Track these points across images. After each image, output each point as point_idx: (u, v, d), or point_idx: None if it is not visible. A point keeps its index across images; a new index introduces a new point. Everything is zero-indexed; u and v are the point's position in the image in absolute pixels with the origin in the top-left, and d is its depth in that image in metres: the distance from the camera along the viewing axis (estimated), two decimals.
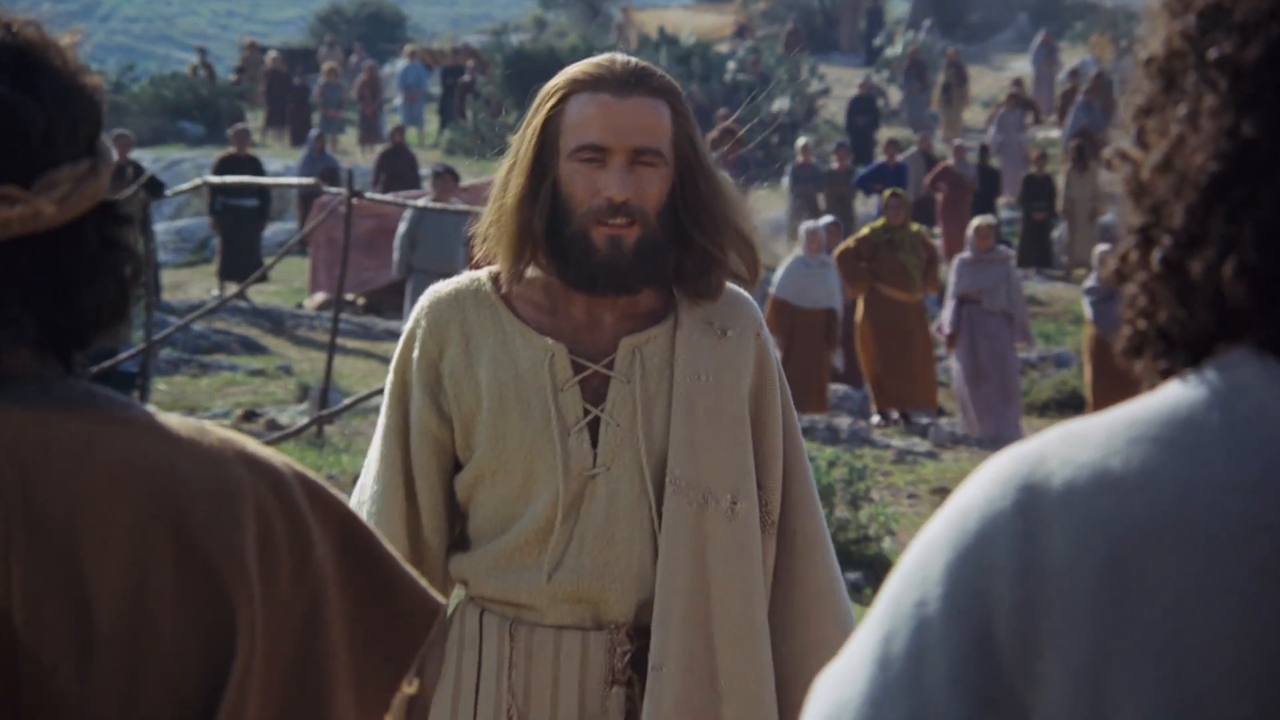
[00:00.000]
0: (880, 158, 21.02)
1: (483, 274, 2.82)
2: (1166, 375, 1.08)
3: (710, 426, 2.73)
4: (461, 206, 13.09)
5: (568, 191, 2.71)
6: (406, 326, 2.83)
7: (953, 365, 13.58)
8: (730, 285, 2.81)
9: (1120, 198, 1.10)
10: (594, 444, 2.72)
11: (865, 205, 20.38)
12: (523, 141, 2.75)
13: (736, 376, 2.77)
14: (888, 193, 14.09)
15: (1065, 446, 1.05)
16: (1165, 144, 1.06)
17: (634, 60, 2.75)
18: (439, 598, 1.52)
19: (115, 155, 1.47)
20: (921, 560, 1.07)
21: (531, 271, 2.77)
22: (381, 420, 2.81)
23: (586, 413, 2.73)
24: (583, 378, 2.74)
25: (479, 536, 2.79)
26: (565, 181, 2.71)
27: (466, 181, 15.49)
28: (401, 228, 13.67)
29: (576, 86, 2.73)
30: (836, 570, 2.84)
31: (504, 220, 2.74)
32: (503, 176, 2.76)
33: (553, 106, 2.73)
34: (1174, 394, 1.05)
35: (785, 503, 2.81)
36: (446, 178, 13.97)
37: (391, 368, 2.83)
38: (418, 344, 2.80)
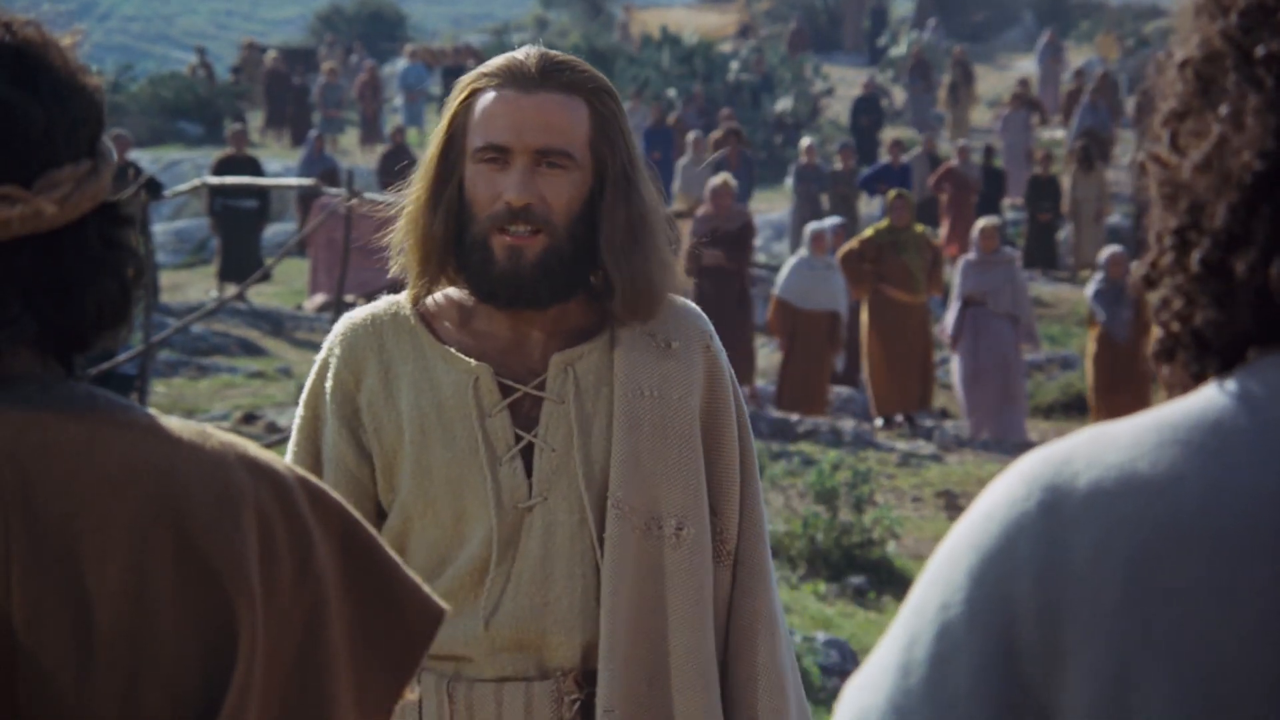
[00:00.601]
0: (884, 158, 20.94)
1: (401, 296, 2.59)
2: (1198, 380, 1.08)
3: (655, 444, 2.51)
4: None
5: (470, 196, 2.50)
6: (319, 356, 2.60)
7: (953, 366, 13.49)
8: (674, 296, 2.59)
9: (1152, 202, 1.10)
10: (529, 473, 2.50)
11: (869, 206, 20.34)
12: (430, 143, 2.56)
13: (684, 392, 2.54)
14: (892, 193, 14.04)
15: (1092, 448, 1.04)
16: (1206, 145, 1.05)
17: (552, 53, 2.52)
18: (441, 603, 1.51)
19: (116, 156, 1.46)
20: (945, 563, 1.07)
21: (456, 291, 2.57)
22: (288, 458, 2.54)
23: (518, 439, 2.50)
24: (512, 401, 2.51)
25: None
26: (468, 185, 2.50)
27: None
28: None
29: (483, 82, 2.52)
30: (777, 604, 2.62)
31: (407, 228, 2.53)
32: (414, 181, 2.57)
33: (460, 104, 2.53)
34: (1204, 398, 1.05)
35: (740, 528, 2.59)
36: None
37: (301, 401, 2.60)
38: (331, 374, 2.56)
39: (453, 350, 2.53)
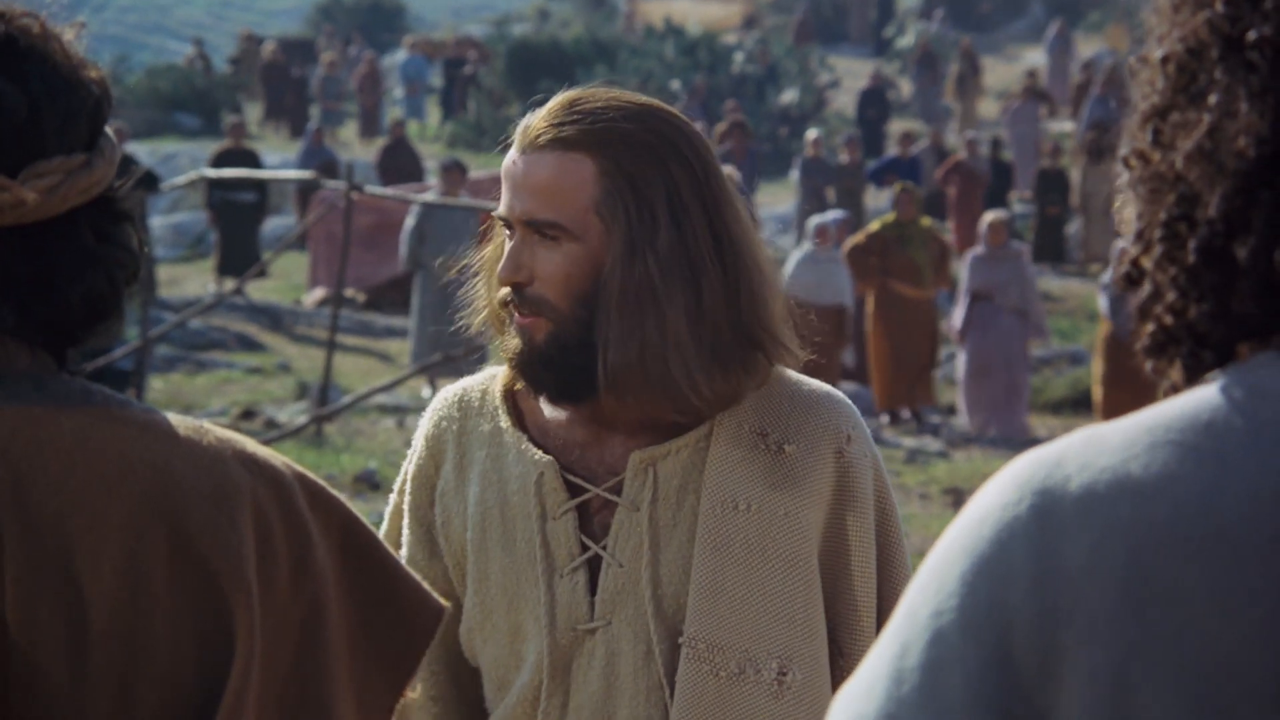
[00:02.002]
0: (891, 151, 20.82)
1: (505, 368, 2.25)
2: (1189, 375, 1.07)
3: (748, 570, 2.12)
4: (468, 201, 12.91)
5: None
6: (415, 435, 2.32)
7: (959, 362, 13.48)
8: (806, 380, 2.20)
9: (1136, 199, 1.09)
10: (592, 590, 2.15)
11: (876, 199, 20.27)
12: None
13: (795, 506, 2.14)
14: (898, 186, 13.95)
15: (1084, 450, 1.04)
16: (1197, 135, 1.05)
17: (579, 100, 2.14)
18: (442, 601, 1.50)
19: (119, 151, 1.44)
20: (937, 569, 1.06)
21: None
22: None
23: (584, 549, 2.15)
24: (581, 503, 2.16)
25: (490, 707, 2.22)
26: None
27: (473, 174, 15.34)
28: (409, 222, 13.52)
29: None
30: None
31: (485, 301, 2.25)
32: None
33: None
34: (1196, 398, 1.04)
35: None
36: (454, 171, 13.75)
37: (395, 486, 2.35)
38: (415, 458, 2.28)
39: (525, 439, 2.20)
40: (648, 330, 2.08)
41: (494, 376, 2.25)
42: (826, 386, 2.21)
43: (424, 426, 2.27)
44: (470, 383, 2.27)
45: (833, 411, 2.18)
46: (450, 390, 2.28)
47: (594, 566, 2.15)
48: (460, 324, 2.27)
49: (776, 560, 2.13)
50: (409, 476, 2.26)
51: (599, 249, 2.11)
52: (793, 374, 2.20)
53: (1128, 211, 1.10)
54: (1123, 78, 24.56)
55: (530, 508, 2.15)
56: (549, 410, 2.21)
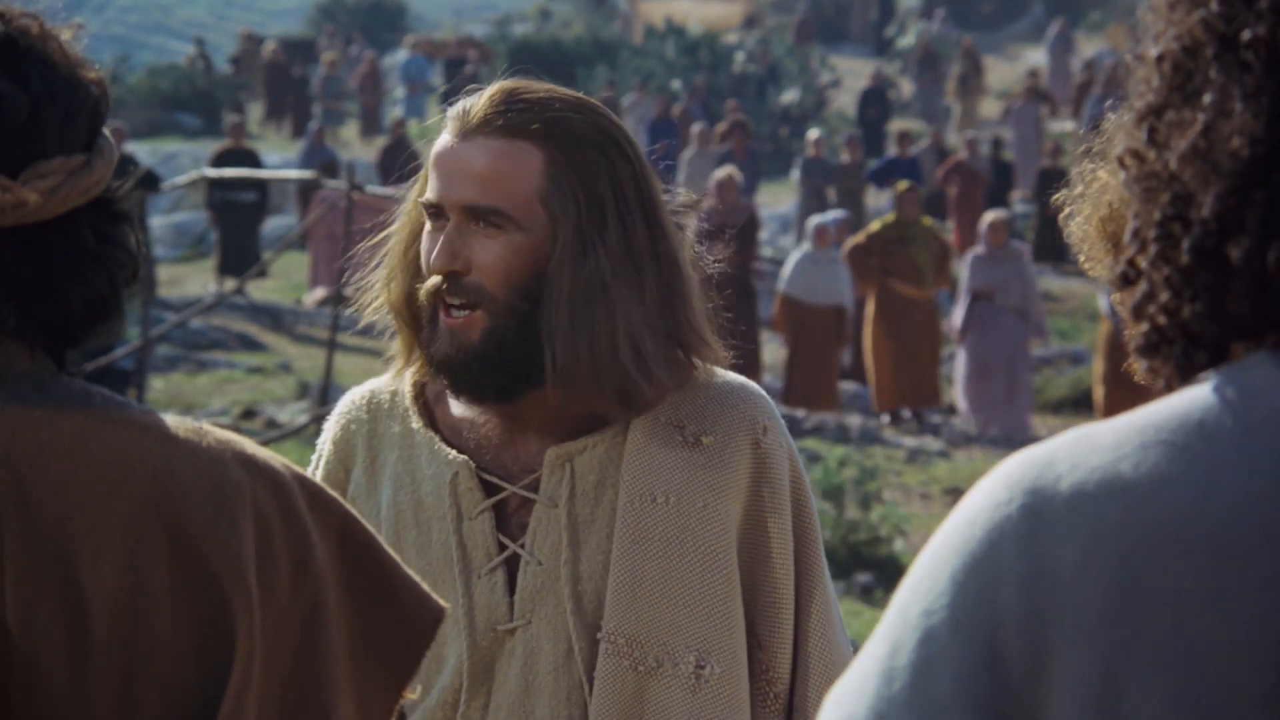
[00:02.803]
0: (891, 151, 20.80)
1: (407, 371, 2.19)
2: (1182, 375, 1.07)
3: (667, 563, 2.08)
4: None
5: (423, 262, 2.12)
6: (319, 440, 2.24)
7: (958, 361, 13.49)
8: (720, 373, 2.16)
9: (1131, 197, 1.08)
10: (511, 589, 2.10)
11: (876, 199, 20.23)
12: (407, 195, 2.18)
13: (712, 498, 2.10)
14: (900, 186, 13.91)
15: (1074, 450, 1.03)
16: (1191, 134, 1.05)
17: (519, 89, 2.10)
18: (441, 602, 1.50)
19: (117, 151, 1.44)
20: (928, 568, 1.06)
21: None
22: None
23: (502, 548, 2.10)
24: (497, 502, 2.12)
25: (408, 710, 2.15)
26: (422, 250, 2.12)
27: None
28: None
29: (443, 126, 2.14)
30: None
31: (380, 293, 2.17)
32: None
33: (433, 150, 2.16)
34: (1187, 398, 1.04)
35: (796, 668, 2.15)
36: None
37: None
38: (322, 463, 2.21)
39: (438, 439, 2.14)
40: (598, 323, 2.04)
41: (402, 377, 2.19)
42: (741, 378, 2.18)
43: (330, 430, 2.21)
44: (379, 384, 2.21)
45: (748, 403, 2.15)
46: (358, 392, 2.21)
47: (512, 566, 2.11)
48: (352, 315, 2.21)
49: (695, 553, 2.10)
50: (321, 479, 2.18)
51: (541, 240, 2.06)
52: (706, 367, 2.17)
53: (1130, 208, 1.09)
54: (1124, 77, 24.48)
55: (445, 508, 2.11)
56: (460, 410, 2.16)
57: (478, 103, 2.10)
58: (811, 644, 2.15)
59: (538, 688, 2.09)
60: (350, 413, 2.20)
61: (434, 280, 2.08)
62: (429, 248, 2.09)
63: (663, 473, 2.11)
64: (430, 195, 2.10)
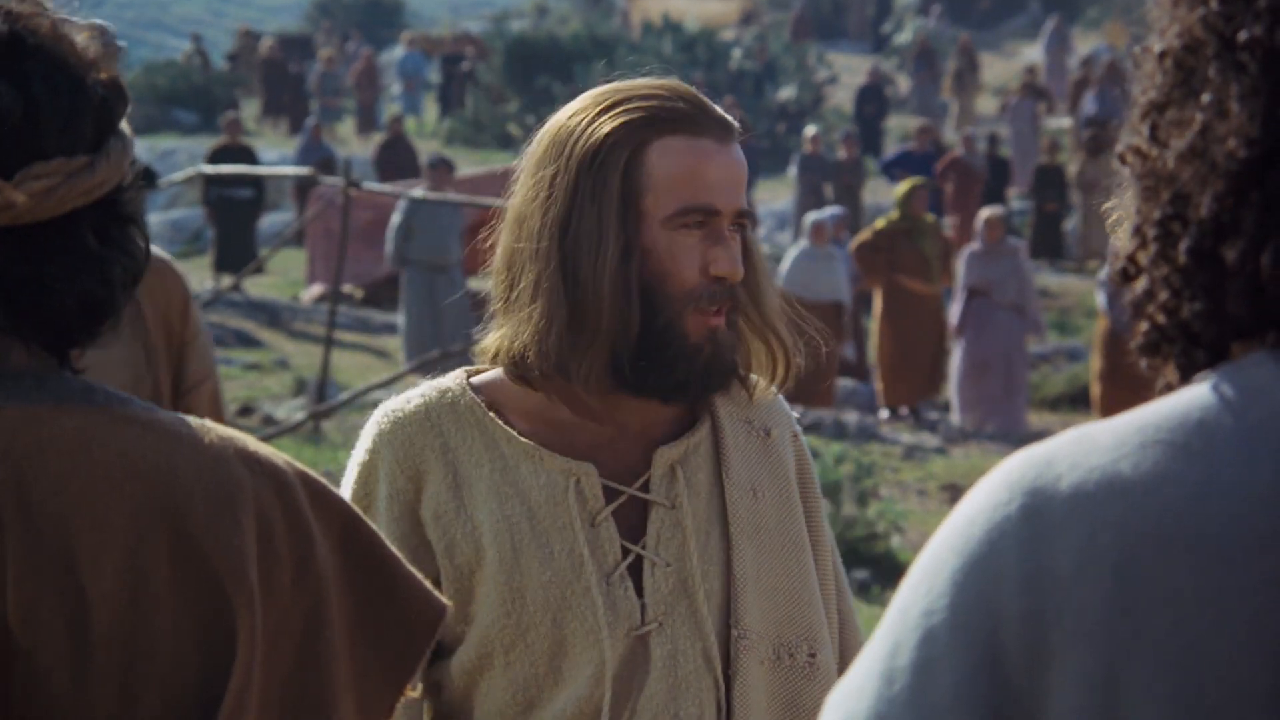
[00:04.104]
0: (893, 147, 20.81)
1: (450, 381, 2.15)
2: (1183, 374, 1.07)
3: (774, 557, 2.13)
4: (459, 198, 12.90)
5: (662, 270, 2.06)
6: (356, 459, 2.14)
7: (954, 358, 13.54)
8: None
9: (1133, 194, 1.08)
10: (639, 592, 2.10)
11: (874, 196, 20.21)
12: (588, 199, 2.05)
13: (790, 488, 2.18)
14: (914, 181, 13.98)
15: (1074, 450, 1.03)
16: (1189, 134, 1.05)
17: (695, 92, 2.13)
18: (443, 600, 1.50)
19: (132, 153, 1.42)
20: (928, 569, 1.06)
21: (500, 372, 2.13)
22: None
23: (625, 552, 2.10)
24: (615, 507, 2.11)
25: None
26: (659, 257, 2.06)
27: (465, 172, 15.33)
28: (395, 219, 13.49)
29: (661, 128, 2.06)
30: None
31: (591, 316, 2.04)
32: (568, 252, 2.05)
33: (630, 156, 2.06)
34: (1187, 397, 1.04)
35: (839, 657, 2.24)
36: (441, 168, 13.73)
37: None
38: (383, 483, 2.11)
39: (540, 446, 2.11)
40: (774, 320, 2.19)
41: (445, 389, 2.15)
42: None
43: (385, 450, 2.12)
44: (424, 397, 2.15)
45: (780, 397, 2.25)
46: (405, 406, 2.14)
47: (632, 571, 2.11)
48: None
49: (791, 545, 2.16)
50: (380, 508, 2.11)
51: None
52: None
53: (1134, 204, 1.09)
54: (1120, 73, 24.58)
55: (570, 516, 2.08)
56: (535, 418, 2.13)
57: (707, 104, 2.12)
58: (849, 631, 2.25)
59: (683, 689, 2.09)
60: (410, 426, 2.13)
61: (703, 284, 2.08)
62: (691, 255, 2.07)
63: (753, 468, 2.17)
64: (707, 199, 2.08)
